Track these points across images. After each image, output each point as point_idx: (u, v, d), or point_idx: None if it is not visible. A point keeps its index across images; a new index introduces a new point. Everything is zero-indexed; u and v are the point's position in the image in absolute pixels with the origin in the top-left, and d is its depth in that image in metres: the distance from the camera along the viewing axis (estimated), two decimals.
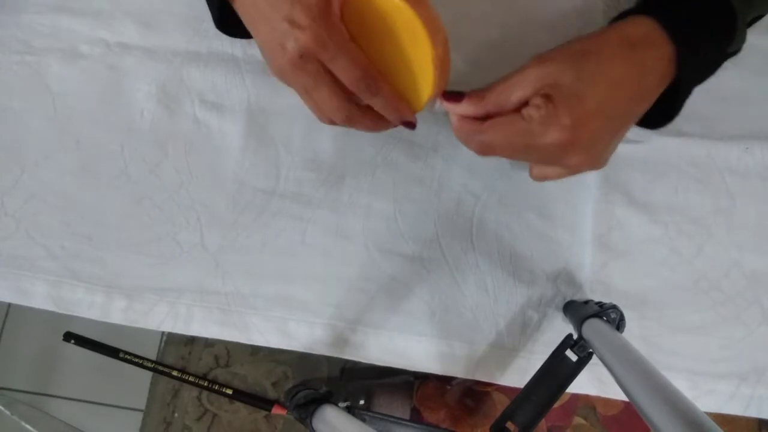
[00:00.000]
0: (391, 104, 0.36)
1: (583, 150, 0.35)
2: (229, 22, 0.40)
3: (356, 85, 0.34)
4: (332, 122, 0.38)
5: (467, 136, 0.36)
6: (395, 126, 0.38)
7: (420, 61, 0.34)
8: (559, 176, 0.39)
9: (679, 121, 0.48)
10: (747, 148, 0.48)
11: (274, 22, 0.33)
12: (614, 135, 0.36)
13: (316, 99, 0.35)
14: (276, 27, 0.33)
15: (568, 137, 0.33)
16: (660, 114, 0.40)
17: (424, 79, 0.35)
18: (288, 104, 0.49)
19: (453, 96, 0.36)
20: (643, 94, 0.35)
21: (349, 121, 0.36)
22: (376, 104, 0.36)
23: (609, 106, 0.34)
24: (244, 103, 0.48)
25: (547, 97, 0.33)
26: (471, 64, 0.47)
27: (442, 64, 0.34)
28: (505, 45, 0.48)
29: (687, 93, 0.38)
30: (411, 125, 0.38)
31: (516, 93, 0.34)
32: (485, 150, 0.36)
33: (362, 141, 0.48)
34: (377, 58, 0.35)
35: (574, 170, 0.37)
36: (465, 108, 0.35)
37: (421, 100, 0.36)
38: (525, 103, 0.34)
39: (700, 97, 0.49)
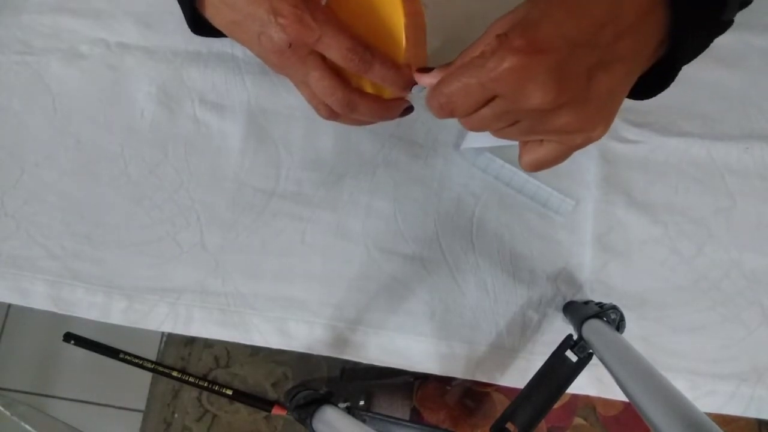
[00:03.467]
0: (389, 69, 0.34)
1: (555, 90, 0.29)
2: (204, 25, 0.40)
3: (348, 59, 0.33)
4: (333, 115, 0.37)
5: (431, 103, 0.32)
6: (398, 112, 0.38)
7: (394, 24, 0.34)
8: (554, 158, 0.34)
9: (679, 121, 0.48)
10: (747, 148, 0.48)
11: (257, 17, 0.33)
12: (592, 71, 0.29)
13: (311, 85, 0.35)
14: (259, 20, 0.33)
15: (523, 61, 0.28)
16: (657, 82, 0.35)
17: (399, 43, 0.34)
18: (288, 104, 0.49)
19: (425, 69, 0.35)
20: (618, 22, 0.29)
21: (348, 106, 0.35)
22: (375, 74, 0.34)
23: (571, 31, 0.29)
24: (244, 104, 0.48)
25: (501, 35, 0.29)
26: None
27: (416, 30, 0.34)
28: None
29: (681, 48, 0.32)
30: (407, 112, 0.37)
31: (478, 49, 0.31)
32: (445, 104, 0.32)
33: (362, 140, 0.48)
34: (363, 34, 0.35)
35: (568, 140, 0.32)
36: (434, 76, 0.33)
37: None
38: None
39: (700, 97, 0.49)
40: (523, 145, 0.35)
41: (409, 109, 0.38)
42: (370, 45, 0.34)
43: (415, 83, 0.35)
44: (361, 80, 0.37)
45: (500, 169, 0.47)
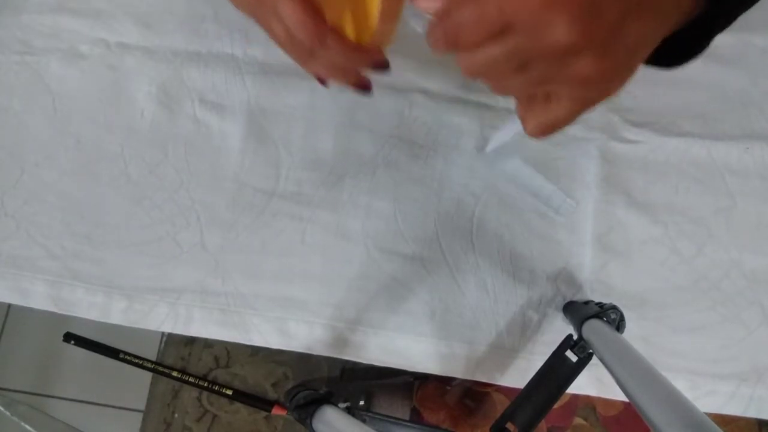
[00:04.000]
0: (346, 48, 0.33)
1: (582, 28, 0.25)
2: None
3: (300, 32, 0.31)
4: (305, 54, 0.34)
5: (433, 32, 0.28)
6: (370, 59, 0.35)
7: None
8: (564, 117, 0.30)
9: (679, 121, 0.48)
10: (747, 148, 0.48)
11: None
12: (624, 15, 0.26)
13: (283, 17, 0.32)
14: None
15: None
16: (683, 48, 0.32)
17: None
18: (288, 104, 0.49)
19: None
20: None
21: (319, 39, 0.32)
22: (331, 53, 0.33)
23: None
24: (244, 104, 0.48)
25: None
26: None
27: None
28: None
29: (716, 10, 0.30)
30: (381, 64, 0.34)
31: None
32: (450, 31, 0.28)
33: (362, 141, 0.48)
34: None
35: (582, 93, 0.29)
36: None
37: (373, 17, 0.33)
38: None
39: (700, 97, 0.49)
40: (528, 105, 0.32)
41: (383, 64, 0.34)
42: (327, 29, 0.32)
43: (381, 60, 0.34)
44: (340, 21, 0.35)
45: (511, 163, 0.47)
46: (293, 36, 0.33)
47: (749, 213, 0.47)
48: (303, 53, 0.35)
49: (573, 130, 0.48)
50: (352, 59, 0.34)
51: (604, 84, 0.28)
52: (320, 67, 0.36)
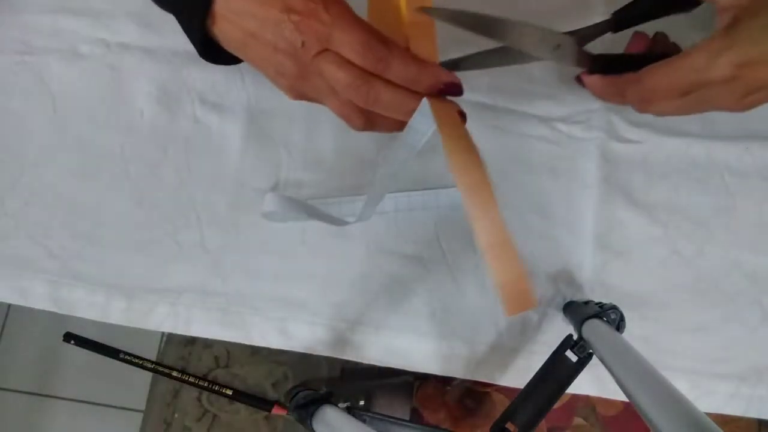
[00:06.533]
0: (410, 66, 0.32)
1: (740, 95, 0.34)
2: (214, 52, 0.37)
3: (362, 55, 0.31)
4: (363, 118, 0.34)
5: (617, 90, 0.37)
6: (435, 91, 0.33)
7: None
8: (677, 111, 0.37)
9: (679, 121, 0.48)
10: (747, 148, 0.48)
11: (271, 19, 0.31)
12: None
13: (329, 80, 0.31)
14: (273, 23, 0.31)
15: (733, 73, 0.33)
16: None
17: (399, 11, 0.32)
18: (288, 104, 0.48)
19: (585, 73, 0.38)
20: None
21: (372, 97, 0.32)
22: (394, 73, 0.32)
23: None
24: (244, 103, 0.48)
25: (731, 23, 0.33)
26: None
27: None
28: None
29: None
30: (455, 87, 0.33)
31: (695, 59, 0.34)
32: (648, 98, 0.36)
33: (363, 141, 0.48)
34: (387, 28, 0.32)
35: (711, 110, 0.36)
36: (600, 80, 0.38)
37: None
38: None
39: None
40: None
41: (456, 87, 0.34)
42: (389, 40, 0.31)
43: (442, 82, 0.32)
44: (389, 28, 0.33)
45: None
46: (348, 103, 0.33)
47: (749, 213, 0.47)
48: (363, 116, 0.34)
49: (573, 130, 0.48)
50: (413, 99, 0.33)
51: (734, 110, 0.36)
52: (384, 128, 0.35)
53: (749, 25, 0.32)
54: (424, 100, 0.32)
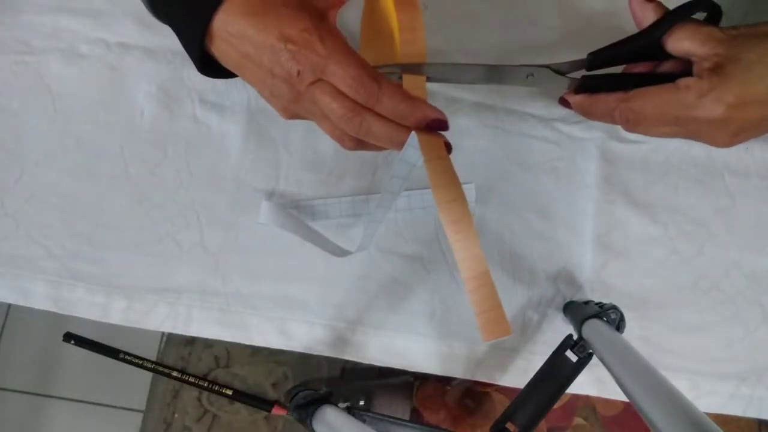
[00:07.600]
0: (399, 103, 0.33)
1: (731, 134, 0.35)
2: (212, 67, 0.37)
3: (354, 89, 0.32)
4: (355, 142, 0.35)
5: (606, 109, 0.37)
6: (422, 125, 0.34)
7: (392, 27, 0.34)
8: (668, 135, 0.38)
9: None
10: (747, 148, 0.48)
11: (267, 45, 0.32)
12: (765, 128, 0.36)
13: (323, 109, 0.33)
14: (269, 49, 0.32)
15: (727, 116, 0.33)
16: None
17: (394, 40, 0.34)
18: None
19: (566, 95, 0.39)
20: None
21: (364, 129, 0.33)
22: (384, 108, 0.33)
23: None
24: (244, 103, 0.48)
25: (716, 68, 0.33)
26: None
27: (413, 30, 0.34)
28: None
29: None
30: (441, 123, 0.34)
31: (683, 44, 0.35)
32: (636, 120, 0.36)
33: None
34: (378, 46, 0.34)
35: (700, 141, 0.37)
36: (582, 99, 0.39)
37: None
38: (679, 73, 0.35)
39: None
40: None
41: (441, 123, 0.34)
42: (379, 76, 0.32)
43: (429, 118, 0.33)
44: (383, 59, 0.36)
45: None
46: (339, 129, 0.34)
47: (749, 213, 0.47)
48: (353, 141, 0.35)
49: (573, 130, 0.48)
50: (401, 131, 0.34)
51: (720, 147, 0.37)
52: (373, 148, 0.36)
53: (733, 69, 0.33)
54: (413, 134, 0.33)
